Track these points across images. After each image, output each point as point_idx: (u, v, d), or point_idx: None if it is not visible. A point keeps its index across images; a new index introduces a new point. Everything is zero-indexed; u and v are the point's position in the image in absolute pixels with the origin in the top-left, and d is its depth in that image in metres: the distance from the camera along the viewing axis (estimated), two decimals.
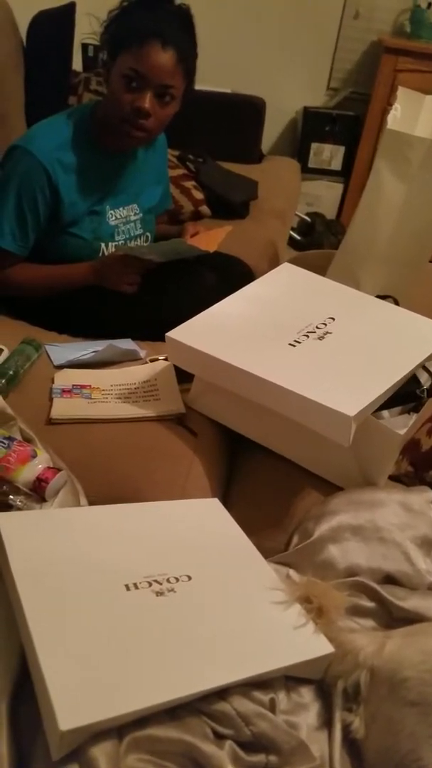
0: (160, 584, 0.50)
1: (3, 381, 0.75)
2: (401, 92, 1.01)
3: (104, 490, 0.65)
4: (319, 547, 0.63)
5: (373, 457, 0.71)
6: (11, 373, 0.77)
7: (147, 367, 0.85)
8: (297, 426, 0.65)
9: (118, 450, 0.71)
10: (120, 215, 0.98)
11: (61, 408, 0.75)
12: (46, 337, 0.89)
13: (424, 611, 0.57)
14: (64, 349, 0.86)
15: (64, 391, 0.78)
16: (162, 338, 0.74)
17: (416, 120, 0.96)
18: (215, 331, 0.73)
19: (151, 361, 0.87)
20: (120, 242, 0.99)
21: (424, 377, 0.76)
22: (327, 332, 0.74)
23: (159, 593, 0.49)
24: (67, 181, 0.90)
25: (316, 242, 2.08)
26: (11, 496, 0.56)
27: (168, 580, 0.51)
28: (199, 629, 0.48)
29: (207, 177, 1.39)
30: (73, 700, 0.40)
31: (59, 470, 0.60)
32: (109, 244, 0.98)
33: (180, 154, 1.40)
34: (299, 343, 0.71)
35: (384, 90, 2.00)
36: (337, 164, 2.21)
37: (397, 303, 0.86)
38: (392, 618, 0.58)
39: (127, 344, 0.88)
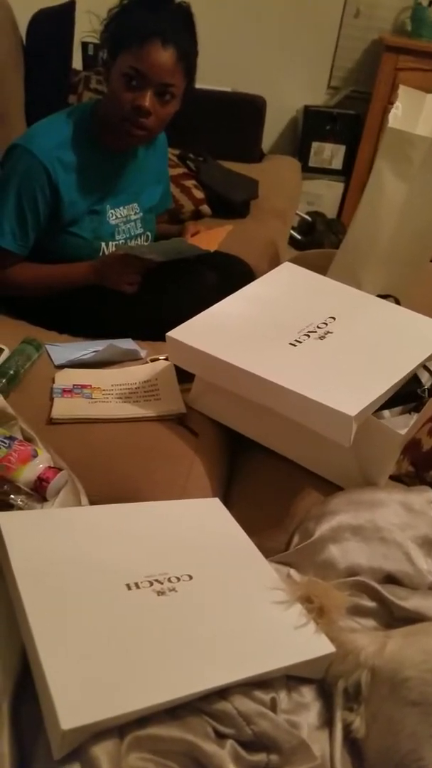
0: (161, 584, 0.50)
1: (3, 381, 0.75)
2: (402, 91, 1.01)
3: (105, 490, 0.65)
4: (319, 546, 0.63)
5: (373, 457, 0.71)
6: (12, 372, 0.77)
7: (147, 366, 0.85)
8: (297, 426, 0.65)
9: (119, 450, 0.71)
10: (120, 214, 0.98)
11: (62, 408, 0.75)
12: (46, 336, 0.89)
13: (425, 611, 0.57)
14: (64, 349, 0.86)
15: (64, 390, 0.78)
16: (162, 338, 0.74)
17: (417, 119, 0.96)
18: (216, 331, 0.73)
19: (152, 360, 0.86)
20: (120, 241, 0.99)
21: (425, 377, 0.76)
22: (328, 332, 0.74)
23: (160, 593, 0.49)
24: (68, 180, 0.89)
25: (317, 241, 2.07)
26: (12, 496, 0.56)
27: (169, 580, 0.51)
28: (201, 629, 0.48)
29: (207, 176, 1.39)
30: (75, 699, 0.40)
31: (60, 470, 0.60)
32: (110, 243, 0.98)
33: (180, 153, 1.40)
34: (300, 342, 0.71)
35: (385, 89, 1.99)
36: (337, 163, 2.20)
37: (398, 302, 0.86)
38: (393, 618, 0.58)
39: (127, 344, 0.88)
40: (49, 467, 0.60)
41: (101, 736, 0.41)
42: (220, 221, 1.29)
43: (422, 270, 1.00)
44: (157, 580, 0.50)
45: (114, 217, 0.97)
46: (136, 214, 1.00)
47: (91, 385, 0.79)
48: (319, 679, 0.51)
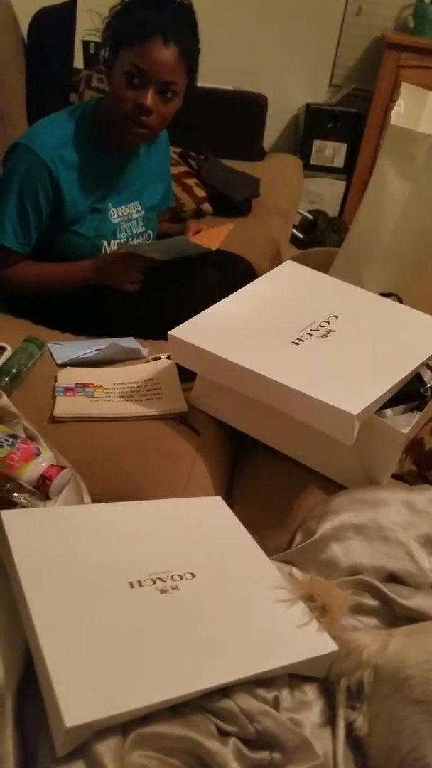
0: (164, 582, 0.50)
1: (6, 379, 0.75)
2: (405, 88, 1.00)
3: (107, 489, 0.65)
4: (321, 545, 0.63)
5: (376, 455, 0.70)
6: (14, 371, 0.77)
7: (149, 365, 0.85)
8: (300, 424, 0.65)
9: (121, 449, 0.72)
10: (122, 213, 0.98)
11: (64, 406, 0.75)
12: (48, 335, 0.89)
13: (427, 610, 0.57)
14: (66, 348, 0.86)
15: (67, 389, 0.78)
16: (164, 336, 0.74)
17: (420, 116, 0.96)
18: (218, 330, 0.73)
19: (154, 359, 0.86)
20: (122, 240, 0.99)
21: (428, 375, 0.76)
22: (330, 330, 0.74)
23: (163, 591, 0.50)
24: (69, 178, 0.89)
25: (318, 240, 2.07)
26: (15, 494, 0.56)
27: (172, 578, 0.51)
28: (203, 627, 0.48)
29: (209, 174, 1.39)
30: (78, 697, 0.40)
31: (63, 468, 0.60)
32: (111, 242, 0.98)
33: (182, 151, 1.40)
34: (302, 341, 0.71)
35: (387, 86, 1.99)
36: (339, 161, 2.20)
37: (400, 301, 0.86)
38: (396, 617, 0.58)
39: (129, 343, 0.88)
40: (52, 465, 0.60)
41: (104, 733, 0.41)
42: (222, 220, 1.28)
43: (425, 268, 1.00)
44: (159, 578, 0.51)
45: (116, 216, 0.97)
46: (137, 212, 1.00)
47: (93, 384, 0.79)
48: (322, 677, 0.51)
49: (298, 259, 0.95)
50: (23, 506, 0.56)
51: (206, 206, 1.36)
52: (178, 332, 0.72)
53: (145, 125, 0.87)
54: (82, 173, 0.90)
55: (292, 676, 0.50)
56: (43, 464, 0.60)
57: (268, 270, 0.86)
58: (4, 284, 0.95)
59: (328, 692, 0.51)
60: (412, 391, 0.73)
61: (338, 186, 2.21)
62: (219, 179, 1.40)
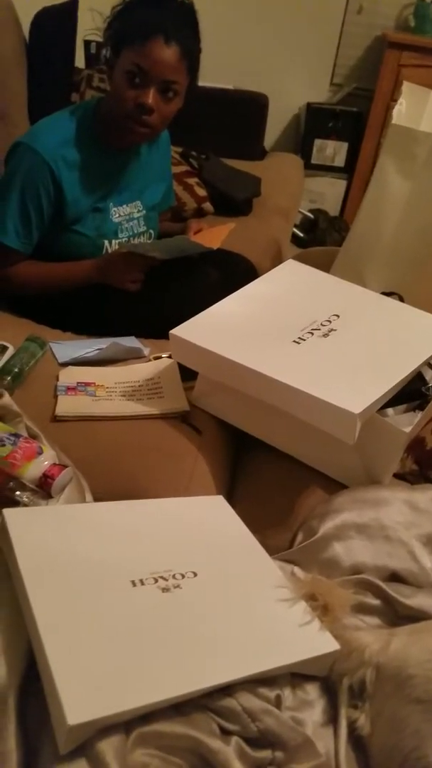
0: (166, 580, 0.50)
1: (8, 378, 0.75)
2: (406, 87, 1.00)
3: (108, 488, 0.66)
4: (323, 545, 0.63)
5: (377, 455, 0.70)
6: (16, 370, 0.77)
7: (151, 364, 0.85)
8: (301, 424, 0.65)
9: (122, 448, 0.72)
10: (123, 212, 0.98)
11: (66, 405, 0.75)
12: (50, 334, 0.89)
13: (429, 609, 0.57)
14: (68, 347, 0.86)
15: (68, 388, 0.78)
16: (165, 336, 0.74)
17: (422, 115, 0.95)
18: (219, 329, 0.73)
19: (155, 358, 0.87)
20: (123, 239, 0.99)
21: (429, 375, 0.76)
22: (332, 329, 0.73)
23: (165, 589, 0.50)
24: (71, 178, 0.89)
25: (319, 239, 2.07)
26: (18, 492, 0.56)
27: (174, 577, 0.51)
28: (205, 626, 0.48)
29: (210, 174, 1.39)
30: (81, 695, 0.40)
31: (65, 467, 0.61)
32: (113, 241, 0.98)
33: (183, 150, 1.40)
34: (304, 340, 0.71)
35: (388, 86, 1.98)
36: (340, 161, 2.20)
37: (402, 300, 0.86)
38: (397, 616, 0.58)
39: (130, 342, 0.88)
40: (54, 464, 0.60)
41: (107, 731, 0.41)
42: (223, 219, 1.28)
43: (426, 267, 1.00)
44: (161, 577, 0.51)
45: (117, 215, 0.97)
46: (139, 211, 1.00)
47: (94, 383, 0.79)
48: (324, 676, 0.51)
49: (299, 259, 0.95)
50: (25, 505, 0.56)
51: (207, 205, 1.36)
52: (179, 331, 0.72)
53: (147, 124, 0.87)
54: (84, 173, 0.91)
55: (294, 675, 0.50)
56: (45, 463, 0.60)
57: (269, 269, 0.86)
58: (6, 283, 0.95)
59: (329, 691, 0.51)
60: (413, 390, 0.72)
61: (339, 185, 2.21)
62: (220, 178, 1.40)
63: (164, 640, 0.46)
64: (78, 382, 0.79)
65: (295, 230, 2.05)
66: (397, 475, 0.76)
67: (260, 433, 0.77)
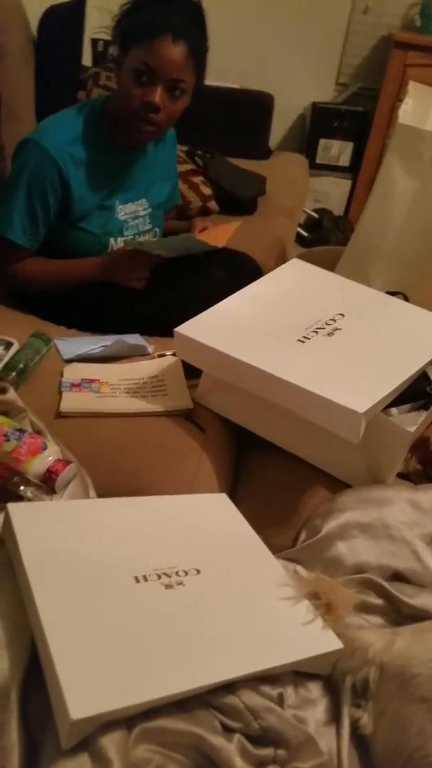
0: (169, 577, 0.50)
1: (13, 374, 0.75)
2: (412, 86, 1.00)
3: (112, 486, 0.66)
4: (326, 544, 0.63)
5: (381, 454, 0.70)
6: (21, 366, 0.77)
7: (155, 362, 0.85)
8: (305, 422, 0.65)
9: (126, 445, 0.72)
10: (129, 210, 0.98)
11: (70, 402, 0.75)
12: (55, 331, 0.90)
13: None
14: (72, 344, 0.87)
15: (73, 385, 0.78)
16: (169, 334, 0.74)
17: (428, 114, 0.95)
18: (224, 327, 0.73)
19: (159, 356, 0.87)
20: (129, 237, 0.99)
21: None
22: (336, 328, 0.73)
23: (168, 586, 0.50)
24: (78, 175, 0.90)
25: (323, 239, 2.07)
26: (22, 487, 0.56)
27: (177, 574, 0.51)
28: (208, 623, 0.48)
29: (215, 173, 1.39)
30: (84, 690, 0.40)
31: (69, 462, 0.61)
32: (118, 239, 0.98)
33: (188, 149, 1.40)
34: (308, 339, 0.71)
35: (393, 85, 1.98)
36: (345, 160, 2.19)
37: (407, 299, 0.86)
38: (401, 615, 0.58)
39: (135, 339, 0.88)
40: (58, 460, 0.60)
41: (109, 726, 0.41)
42: (228, 218, 1.28)
43: (431, 267, 0.99)
44: (165, 574, 0.51)
45: (123, 213, 0.97)
46: (144, 210, 1.00)
47: (99, 380, 0.80)
48: (327, 675, 0.51)
49: (303, 258, 0.94)
50: (29, 500, 0.56)
51: (212, 204, 1.36)
52: (184, 329, 0.72)
53: (153, 122, 0.87)
54: (91, 170, 0.91)
55: (297, 674, 0.50)
56: (50, 458, 0.60)
57: (274, 268, 0.86)
58: (12, 280, 0.95)
59: (332, 690, 0.51)
60: (418, 389, 0.72)
61: (344, 185, 2.21)
62: (225, 177, 1.40)
63: (167, 637, 0.46)
64: (82, 379, 0.79)
65: (300, 230, 2.05)
66: (400, 475, 0.75)
67: (264, 431, 0.77)
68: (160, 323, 0.84)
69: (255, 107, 1.66)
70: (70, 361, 0.83)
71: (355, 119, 2.14)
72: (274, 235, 1.37)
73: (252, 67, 2.09)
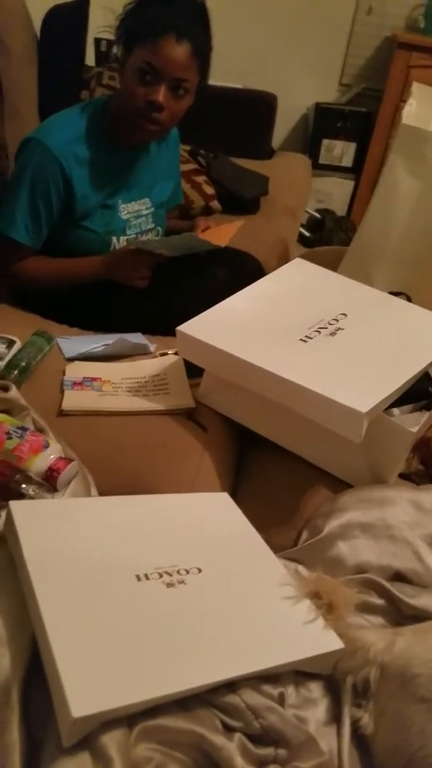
0: (171, 576, 0.50)
1: (15, 372, 0.76)
2: (416, 87, 1.00)
3: (113, 484, 0.66)
4: (328, 543, 0.63)
5: (383, 454, 0.70)
6: (23, 364, 0.77)
7: (157, 361, 0.85)
8: (307, 422, 0.65)
9: (128, 444, 0.72)
10: (132, 209, 0.98)
11: (72, 400, 0.75)
12: (57, 329, 0.90)
13: None
14: (75, 342, 0.87)
15: (75, 383, 0.78)
16: (172, 333, 0.74)
17: (431, 115, 0.95)
18: (226, 326, 0.73)
19: (161, 355, 0.87)
20: (131, 236, 0.99)
21: None
22: (339, 328, 0.73)
23: (169, 585, 0.50)
24: (81, 174, 0.90)
25: (326, 239, 2.07)
26: (23, 485, 0.57)
27: (178, 572, 0.51)
28: (210, 622, 0.48)
29: (218, 172, 1.39)
30: (85, 688, 0.40)
31: (71, 460, 0.61)
32: (121, 238, 0.98)
33: (191, 149, 1.40)
34: (311, 338, 0.71)
35: (397, 86, 1.98)
36: (348, 161, 2.19)
37: (409, 300, 0.85)
38: (402, 615, 0.58)
39: (137, 338, 0.88)
40: (60, 458, 0.60)
41: (110, 725, 0.41)
42: (231, 217, 1.28)
43: None
44: (166, 572, 0.51)
45: (125, 212, 0.97)
46: (147, 209, 1.00)
47: (101, 378, 0.80)
48: (327, 674, 0.51)
49: (306, 258, 0.94)
50: (31, 498, 0.56)
51: (215, 204, 1.36)
52: (186, 328, 0.72)
53: (157, 122, 0.87)
54: (93, 169, 0.91)
55: (298, 673, 0.50)
56: (52, 456, 0.60)
57: (276, 268, 0.86)
58: (15, 278, 0.96)
59: (333, 690, 0.51)
60: (420, 390, 0.72)
61: (347, 185, 2.21)
62: (228, 177, 1.40)
63: (168, 635, 0.46)
64: (84, 377, 0.79)
65: (302, 230, 2.04)
66: (402, 475, 0.75)
67: (266, 431, 0.77)
68: (163, 322, 0.84)
69: (258, 107, 1.66)
70: (72, 359, 0.83)
71: (358, 120, 2.14)
72: (276, 235, 1.37)
73: (256, 67, 2.09)
